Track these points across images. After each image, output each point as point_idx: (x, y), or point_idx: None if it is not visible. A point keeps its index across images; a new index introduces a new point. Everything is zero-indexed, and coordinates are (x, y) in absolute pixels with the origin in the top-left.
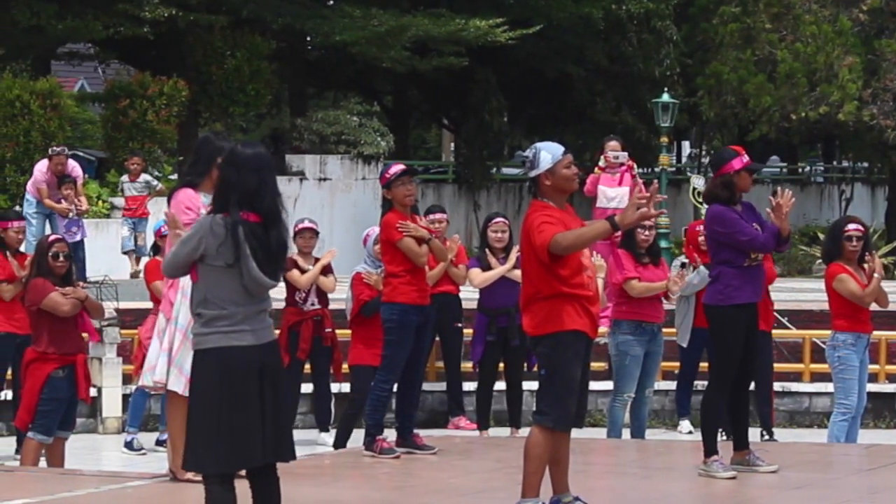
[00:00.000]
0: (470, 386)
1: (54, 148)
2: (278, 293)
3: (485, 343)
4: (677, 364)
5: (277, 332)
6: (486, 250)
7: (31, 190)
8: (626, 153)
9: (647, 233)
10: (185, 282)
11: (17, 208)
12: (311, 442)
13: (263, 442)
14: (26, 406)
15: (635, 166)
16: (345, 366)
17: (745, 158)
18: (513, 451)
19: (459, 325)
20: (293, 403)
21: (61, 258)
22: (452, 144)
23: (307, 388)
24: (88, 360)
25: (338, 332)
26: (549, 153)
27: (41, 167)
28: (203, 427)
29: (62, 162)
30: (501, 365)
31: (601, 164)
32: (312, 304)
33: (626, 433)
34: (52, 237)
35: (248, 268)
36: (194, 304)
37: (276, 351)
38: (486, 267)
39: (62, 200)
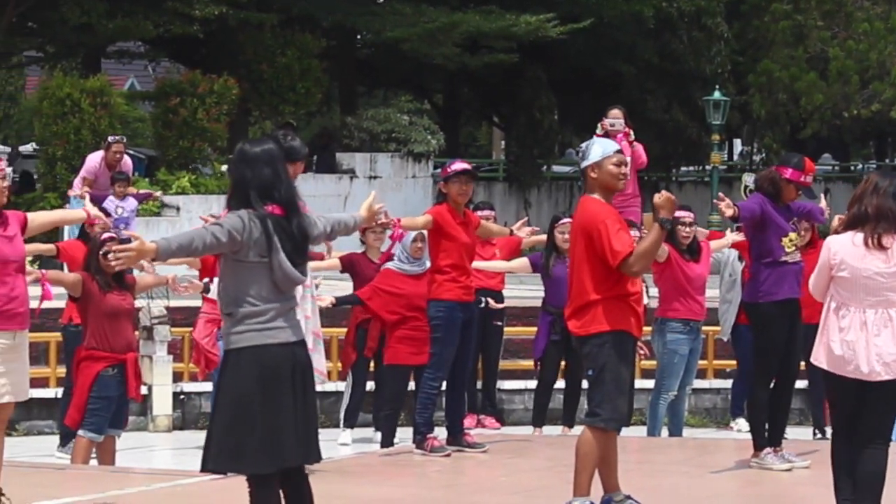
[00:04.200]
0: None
1: (113, 136)
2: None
3: (547, 341)
4: (727, 362)
5: (345, 329)
6: (553, 251)
7: (77, 183)
8: (622, 121)
9: (687, 229)
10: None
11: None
12: (368, 440)
13: (297, 441)
14: (77, 404)
15: (632, 133)
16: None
17: (804, 176)
18: (564, 449)
19: (500, 323)
20: (357, 401)
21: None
22: (503, 142)
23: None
24: (139, 358)
25: None
26: (600, 147)
27: (95, 157)
28: (238, 426)
29: (120, 150)
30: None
31: (598, 131)
32: None
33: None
34: (105, 235)
35: (280, 261)
36: (225, 303)
37: (306, 348)
38: (546, 266)
39: (112, 198)
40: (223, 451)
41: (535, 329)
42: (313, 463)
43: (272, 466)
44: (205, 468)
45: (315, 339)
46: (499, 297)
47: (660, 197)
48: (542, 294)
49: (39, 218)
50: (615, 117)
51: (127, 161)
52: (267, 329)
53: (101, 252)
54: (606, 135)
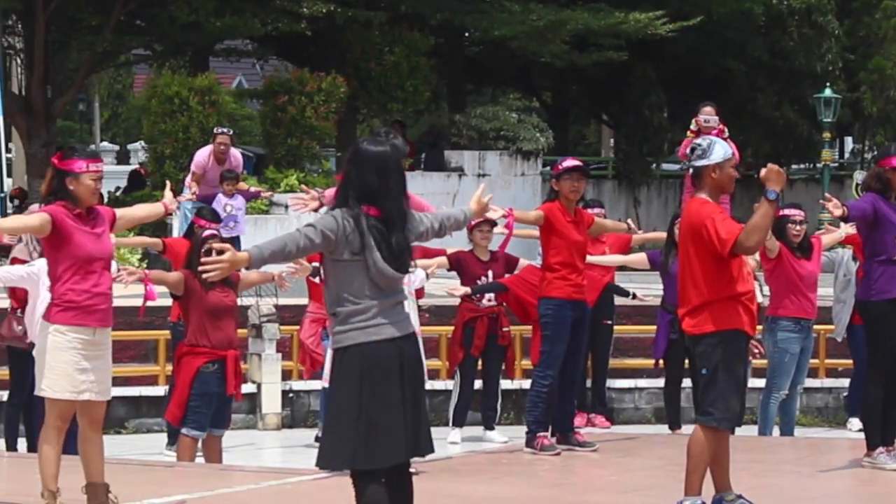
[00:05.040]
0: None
1: (219, 128)
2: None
3: (668, 341)
4: (839, 362)
5: (452, 328)
6: (673, 248)
7: (187, 181)
8: (716, 118)
9: (797, 227)
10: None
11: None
12: (477, 439)
13: (406, 437)
14: (177, 400)
15: (726, 130)
16: (525, 362)
17: None
18: (675, 448)
19: (609, 322)
20: (466, 399)
21: (213, 255)
22: (612, 140)
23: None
24: (247, 355)
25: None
26: (722, 148)
27: (203, 152)
28: (344, 425)
29: (225, 142)
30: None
31: (693, 127)
32: (489, 301)
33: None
34: (208, 232)
35: (373, 259)
36: (329, 303)
37: (416, 343)
38: (665, 264)
39: (221, 196)
40: (333, 447)
41: (643, 328)
42: (426, 455)
43: (380, 463)
44: (317, 464)
45: None
46: (608, 297)
47: (767, 170)
48: (650, 292)
49: (128, 214)
50: (709, 114)
51: (236, 155)
52: (370, 326)
53: (202, 250)
54: (700, 131)
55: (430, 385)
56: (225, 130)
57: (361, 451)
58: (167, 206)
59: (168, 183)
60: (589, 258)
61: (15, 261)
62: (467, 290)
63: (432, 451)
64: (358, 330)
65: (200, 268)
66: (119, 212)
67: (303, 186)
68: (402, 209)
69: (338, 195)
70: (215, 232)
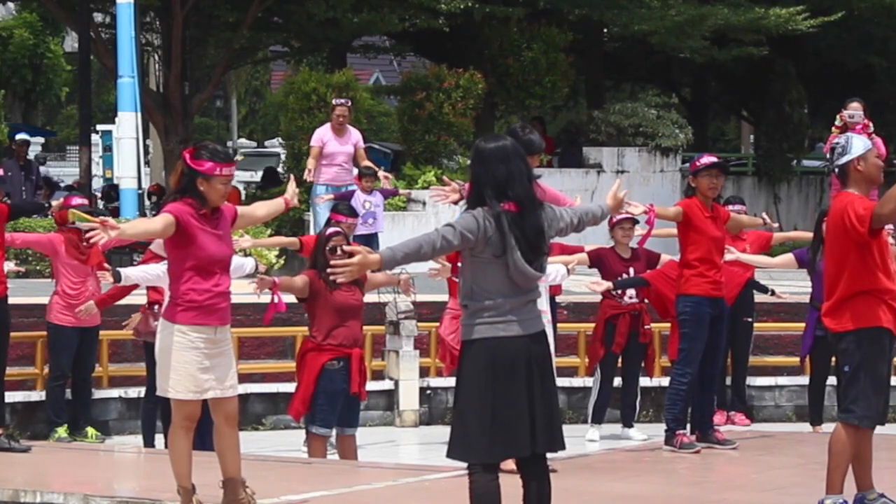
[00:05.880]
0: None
1: (337, 98)
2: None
3: (815, 338)
4: None
5: (593, 324)
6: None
7: (307, 172)
8: (861, 113)
9: None
10: None
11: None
12: (615, 436)
13: (531, 432)
14: (301, 397)
15: (871, 126)
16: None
17: None
18: (816, 446)
19: (749, 319)
20: (606, 397)
21: (338, 253)
22: (752, 136)
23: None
24: (385, 352)
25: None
26: (860, 141)
27: (321, 128)
28: (470, 416)
29: (343, 114)
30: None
31: (837, 123)
32: (630, 298)
33: None
34: (331, 230)
35: (515, 259)
36: (461, 295)
37: (545, 341)
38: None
39: (359, 192)
40: (457, 439)
41: (784, 325)
42: (555, 451)
43: (503, 456)
44: (447, 455)
45: None
46: (748, 294)
47: None
48: (791, 290)
49: (248, 213)
50: (855, 109)
51: (355, 131)
52: (499, 322)
53: (326, 248)
54: (845, 126)
55: (567, 382)
56: (343, 101)
57: (482, 444)
58: (287, 201)
59: (292, 177)
60: (739, 256)
61: (149, 255)
62: (609, 284)
63: (562, 447)
64: (487, 324)
65: (329, 270)
66: (240, 210)
67: (444, 178)
68: (532, 194)
69: (470, 197)
70: (339, 230)
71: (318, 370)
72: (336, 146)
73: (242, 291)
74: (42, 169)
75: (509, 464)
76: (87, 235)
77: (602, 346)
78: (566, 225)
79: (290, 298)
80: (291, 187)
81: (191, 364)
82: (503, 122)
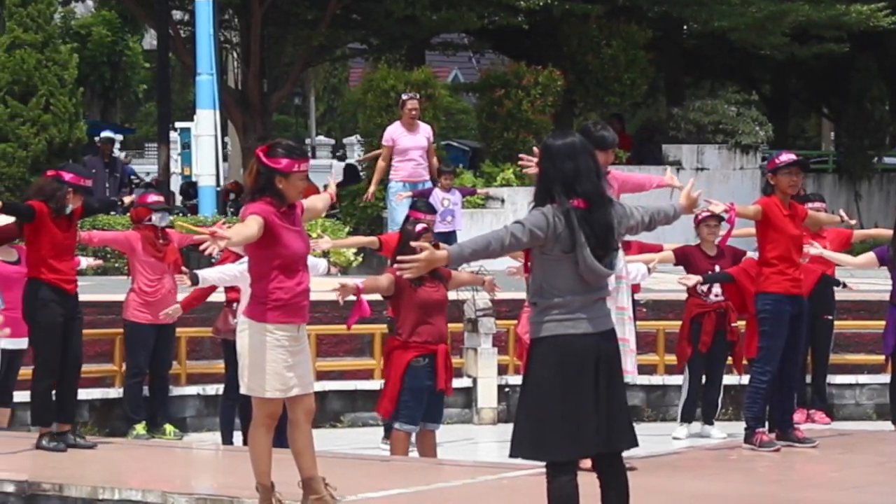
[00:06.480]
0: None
1: (407, 93)
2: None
3: None
4: None
5: (679, 322)
6: None
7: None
8: None
9: None
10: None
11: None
12: (696, 434)
13: (598, 430)
14: (389, 395)
15: None
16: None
17: None
18: None
19: (830, 317)
20: (694, 395)
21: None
22: (832, 133)
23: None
24: (463, 350)
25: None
26: None
27: (391, 126)
28: (538, 414)
29: (414, 108)
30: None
31: None
32: (716, 296)
33: None
34: (420, 226)
35: (584, 256)
36: (530, 293)
37: (614, 338)
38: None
39: (437, 190)
40: (525, 437)
41: (865, 323)
42: (625, 449)
43: (571, 454)
44: (511, 454)
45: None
46: (828, 291)
47: None
48: (872, 288)
49: (311, 207)
50: None
51: (426, 126)
52: (568, 320)
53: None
54: None
55: (646, 380)
56: (413, 95)
57: (551, 443)
58: (331, 195)
59: (333, 171)
60: (823, 252)
61: (227, 253)
62: (698, 278)
63: (634, 444)
64: (555, 322)
65: (395, 265)
66: (305, 204)
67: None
68: (601, 190)
69: (538, 195)
70: (427, 226)
71: (404, 367)
72: (409, 142)
73: (320, 289)
74: (128, 168)
75: (586, 462)
76: (200, 248)
77: (689, 344)
78: (636, 223)
79: (370, 296)
80: (332, 183)
81: (278, 363)
82: (582, 119)
